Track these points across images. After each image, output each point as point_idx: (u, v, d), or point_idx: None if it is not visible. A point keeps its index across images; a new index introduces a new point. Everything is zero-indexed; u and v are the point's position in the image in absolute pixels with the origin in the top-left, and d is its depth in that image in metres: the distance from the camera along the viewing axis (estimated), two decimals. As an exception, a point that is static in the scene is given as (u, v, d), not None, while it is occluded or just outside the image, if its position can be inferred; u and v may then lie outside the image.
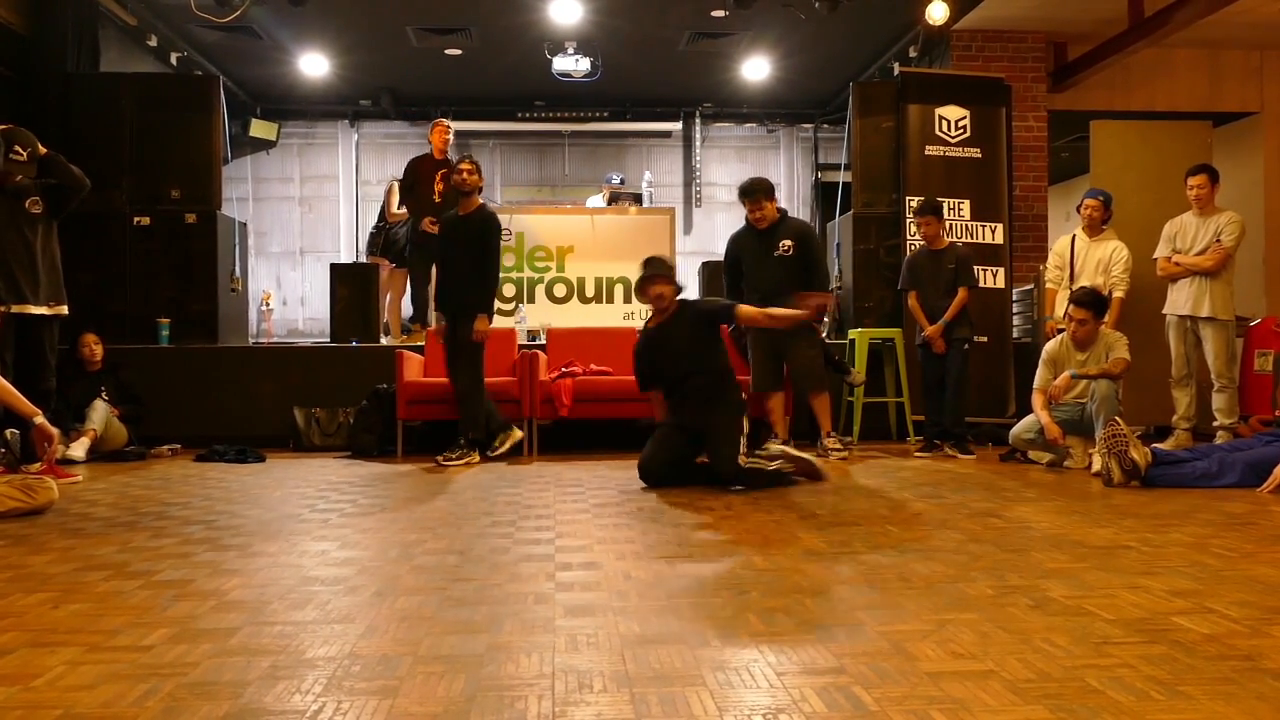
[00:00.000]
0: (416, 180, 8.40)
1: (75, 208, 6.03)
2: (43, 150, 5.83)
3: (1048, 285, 7.23)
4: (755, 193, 6.45)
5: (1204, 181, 6.65)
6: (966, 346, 6.53)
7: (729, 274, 6.69)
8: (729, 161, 12.98)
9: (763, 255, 6.42)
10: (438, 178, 8.26)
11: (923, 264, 6.76)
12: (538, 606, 2.66)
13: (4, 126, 5.80)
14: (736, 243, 6.65)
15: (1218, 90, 9.40)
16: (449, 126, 8.61)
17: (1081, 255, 7.01)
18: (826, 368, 7.07)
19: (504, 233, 9.13)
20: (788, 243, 6.40)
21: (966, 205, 7.85)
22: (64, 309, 5.93)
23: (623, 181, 10.33)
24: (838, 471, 5.73)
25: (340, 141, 12.61)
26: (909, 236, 7.78)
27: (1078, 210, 7.17)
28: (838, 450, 6.45)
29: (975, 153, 7.95)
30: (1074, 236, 7.13)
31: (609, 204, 10.09)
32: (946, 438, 6.60)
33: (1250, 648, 2.26)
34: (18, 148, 5.70)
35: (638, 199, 10.96)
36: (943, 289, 6.56)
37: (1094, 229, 7.02)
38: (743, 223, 6.67)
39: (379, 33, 9.68)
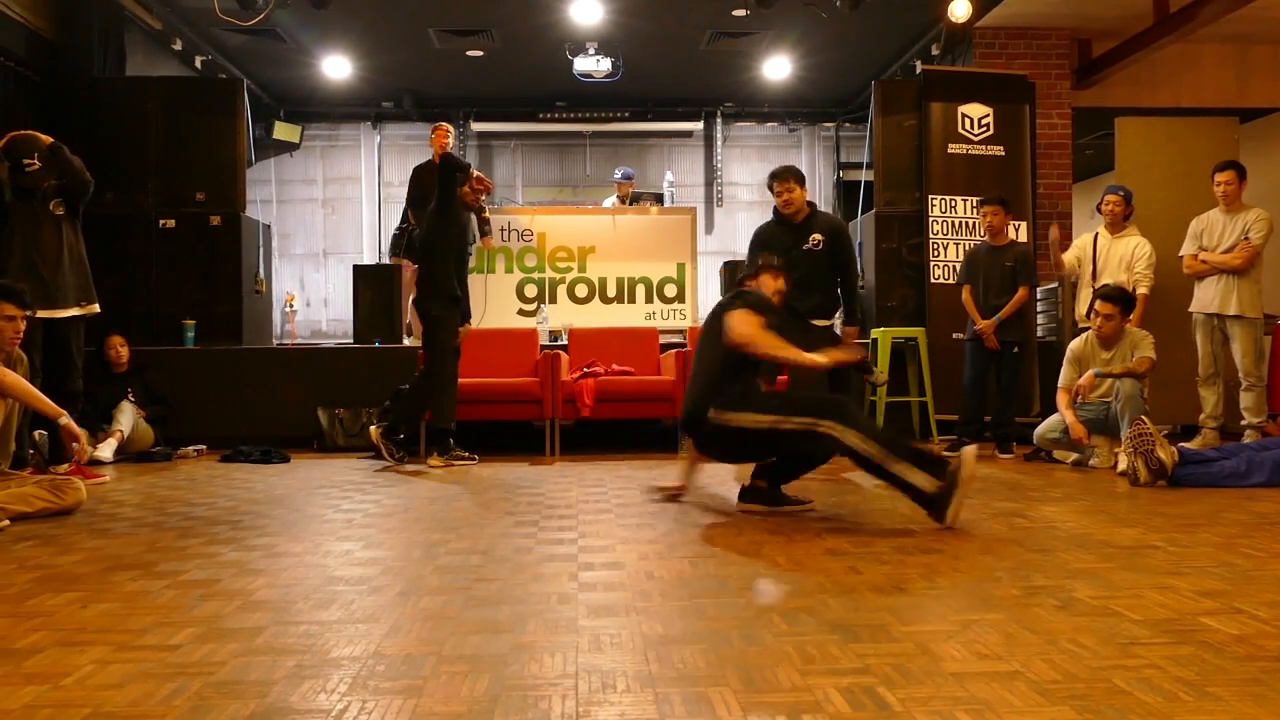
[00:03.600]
0: (423, 190, 8.35)
1: (86, 203, 6.00)
2: (47, 140, 5.80)
3: (1071, 275, 7.15)
4: (785, 175, 6.08)
5: (1231, 178, 6.58)
6: (1016, 350, 6.46)
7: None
8: (750, 161, 12.94)
9: (791, 247, 6.00)
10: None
11: (981, 259, 6.69)
12: (561, 606, 2.66)
13: (5, 140, 5.78)
14: (764, 234, 6.22)
15: (1245, 86, 9.30)
16: (448, 130, 8.56)
17: (1104, 252, 6.95)
18: (851, 369, 7.05)
19: (525, 233, 9.17)
20: (818, 236, 6.03)
21: (990, 203, 7.80)
22: (95, 307, 5.96)
23: (628, 177, 10.25)
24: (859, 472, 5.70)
25: (363, 143, 12.66)
26: (932, 235, 7.77)
27: (1098, 209, 7.11)
28: None
29: (999, 151, 7.91)
30: (1096, 234, 7.08)
31: (630, 203, 10.06)
32: (980, 437, 6.57)
33: (1280, 649, 2.24)
34: (25, 160, 5.70)
35: (659, 199, 10.93)
36: (999, 286, 6.49)
37: (1116, 225, 6.96)
38: (769, 217, 6.39)
39: (401, 35, 9.72)
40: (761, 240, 6.16)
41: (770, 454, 4.28)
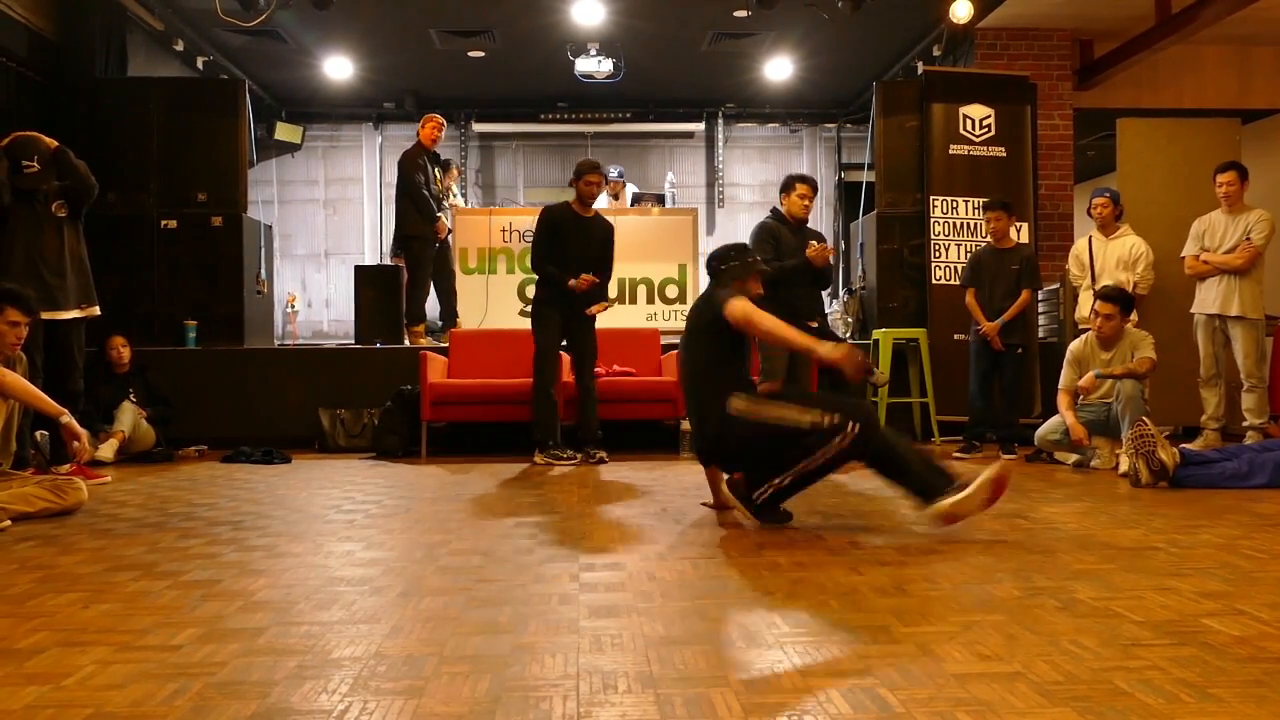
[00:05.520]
0: (422, 172, 8.19)
1: (90, 206, 6.01)
2: (52, 144, 5.83)
3: (1076, 284, 7.19)
4: (813, 182, 6.25)
5: (1232, 179, 6.58)
6: (1020, 351, 6.49)
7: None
8: (752, 162, 12.96)
9: (799, 248, 6.09)
10: (436, 172, 8.28)
11: (986, 262, 6.70)
12: (562, 607, 2.66)
13: (7, 140, 5.79)
14: (775, 232, 6.17)
15: (1246, 87, 9.30)
16: (442, 123, 8.49)
17: (1100, 254, 6.98)
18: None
19: (527, 234, 9.15)
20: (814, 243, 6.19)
21: (991, 204, 7.80)
22: (95, 309, 5.97)
23: (621, 175, 10.22)
24: (861, 473, 5.70)
25: (364, 144, 12.68)
26: (933, 236, 7.77)
27: (1089, 213, 7.13)
28: None
29: (1000, 152, 7.90)
30: (1090, 237, 7.10)
31: (631, 204, 10.05)
32: (987, 438, 6.58)
33: (1282, 650, 2.24)
34: (24, 162, 5.70)
35: (660, 200, 10.94)
36: (1004, 289, 6.50)
37: (1108, 227, 7.00)
38: (769, 215, 6.36)
39: (403, 35, 9.73)
40: (774, 238, 6.14)
41: (787, 457, 3.91)
